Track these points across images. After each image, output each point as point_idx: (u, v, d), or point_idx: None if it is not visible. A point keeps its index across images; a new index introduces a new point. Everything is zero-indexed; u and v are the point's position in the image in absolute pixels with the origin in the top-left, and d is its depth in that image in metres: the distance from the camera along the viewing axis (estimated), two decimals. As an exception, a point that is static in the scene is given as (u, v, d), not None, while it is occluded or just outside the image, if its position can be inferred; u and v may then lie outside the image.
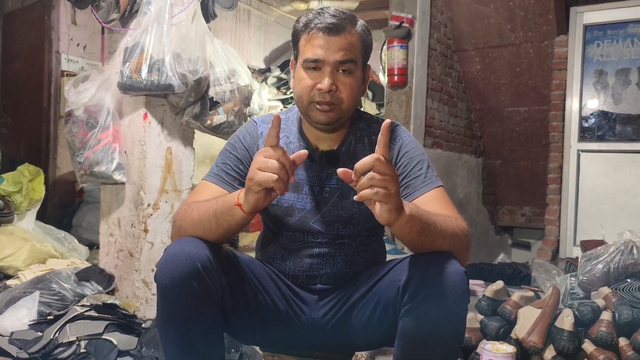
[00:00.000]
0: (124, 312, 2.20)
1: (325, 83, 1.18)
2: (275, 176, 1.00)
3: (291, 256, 1.29)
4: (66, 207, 4.13)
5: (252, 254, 1.41)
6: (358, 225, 1.27)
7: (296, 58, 1.27)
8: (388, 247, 3.02)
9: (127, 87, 2.25)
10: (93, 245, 3.32)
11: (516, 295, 2.11)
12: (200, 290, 1.06)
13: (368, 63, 1.30)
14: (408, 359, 1.09)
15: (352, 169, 1.27)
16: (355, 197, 0.99)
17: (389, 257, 1.36)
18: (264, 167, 1.01)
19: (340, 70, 1.20)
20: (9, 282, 2.58)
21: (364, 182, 0.97)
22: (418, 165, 1.25)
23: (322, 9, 1.24)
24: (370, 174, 0.97)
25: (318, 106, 1.20)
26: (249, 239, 3.88)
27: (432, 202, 1.19)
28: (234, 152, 1.29)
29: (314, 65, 1.20)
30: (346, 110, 1.23)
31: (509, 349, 1.65)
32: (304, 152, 1.06)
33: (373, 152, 1.28)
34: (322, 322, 1.26)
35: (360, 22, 1.24)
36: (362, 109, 1.57)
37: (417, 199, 1.20)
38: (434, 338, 1.05)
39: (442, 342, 1.06)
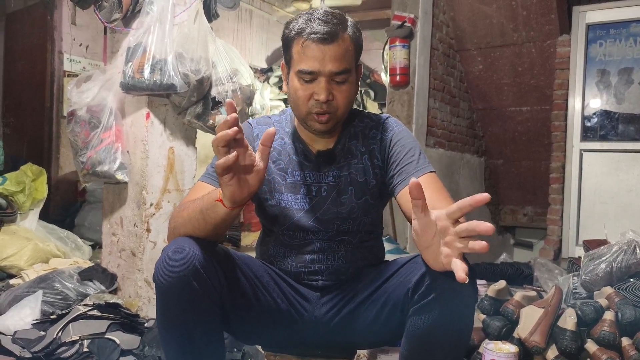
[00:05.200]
0: (126, 311, 2.21)
1: (322, 95, 1.19)
2: (224, 158, 0.96)
3: (292, 253, 1.30)
4: (69, 207, 4.14)
5: (254, 254, 1.41)
6: (357, 220, 1.28)
7: (287, 62, 1.26)
8: (390, 246, 3.03)
9: (129, 87, 2.25)
10: (96, 245, 3.33)
11: (518, 294, 2.10)
12: (199, 289, 1.06)
13: (361, 62, 1.30)
14: (415, 358, 1.10)
15: (347, 164, 1.28)
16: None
17: (391, 257, 1.36)
18: (217, 154, 0.99)
19: (335, 80, 1.20)
20: (12, 281, 2.59)
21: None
22: (410, 152, 1.26)
23: (311, 12, 1.22)
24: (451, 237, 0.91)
25: (315, 117, 1.22)
26: (250, 239, 3.89)
27: (425, 187, 1.19)
28: None
29: (309, 78, 1.20)
30: (341, 116, 1.25)
31: (512, 348, 1.64)
32: (272, 130, 1.02)
33: (365, 146, 1.30)
34: (325, 320, 1.27)
35: (350, 23, 1.23)
36: (364, 109, 1.58)
37: None
38: (442, 338, 1.05)
39: (450, 342, 1.07)
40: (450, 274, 1.03)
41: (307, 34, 1.19)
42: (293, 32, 1.22)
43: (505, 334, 1.99)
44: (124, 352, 2.00)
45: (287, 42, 1.24)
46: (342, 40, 1.19)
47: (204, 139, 2.89)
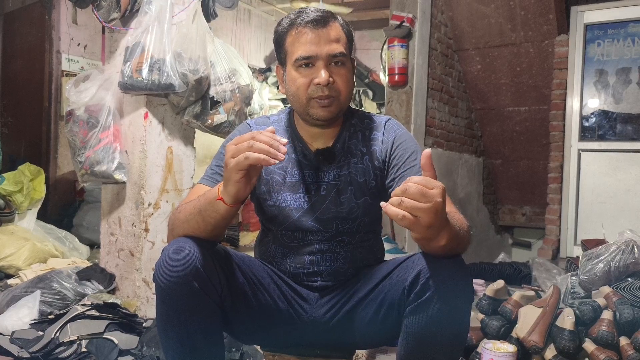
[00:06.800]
0: (124, 311, 2.20)
1: (322, 77, 1.19)
2: (247, 154, 0.99)
3: (291, 254, 1.30)
4: (67, 207, 4.14)
5: (252, 254, 1.41)
6: (356, 220, 1.28)
7: (282, 61, 1.27)
8: (388, 246, 3.03)
9: (127, 87, 2.25)
10: (94, 245, 3.33)
11: (517, 294, 2.10)
12: (199, 289, 1.06)
13: (359, 61, 1.31)
14: (412, 358, 1.10)
15: (347, 163, 1.28)
16: (382, 205, 0.92)
17: (389, 257, 1.36)
18: (236, 152, 1.01)
19: (333, 63, 1.21)
20: (10, 281, 2.58)
21: (393, 200, 0.91)
22: (412, 156, 1.26)
23: (301, 9, 1.25)
24: (398, 198, 0.90)
25: (318, 102, 1.21)
26: (249, 239, 3.89)
27: None
28: None
29: (307, 62, 1.20)
30: (344, 101, 1.25)
31: (510, 348, 1.65)
32: (284, 141, 1.04)
33: (366, 146, 1.30)
34: (324, 320, 1.27)
35: (340, 17, 1.26)
36: (362, 108, 1.58)
37: None
38: (439, 337, 1.06)
39: (447, 341, 1.07)
40: (445, 272, 1.04)
41: (299, 22, 1.21)
42: (285, 27, 1.24)
43: (504, 334, 1.99)
44: (122, 352, 2.00)
45: (280, 38, 1.26)
46: (334, 25, 1.22)
47: (203, 139, 2.89)
